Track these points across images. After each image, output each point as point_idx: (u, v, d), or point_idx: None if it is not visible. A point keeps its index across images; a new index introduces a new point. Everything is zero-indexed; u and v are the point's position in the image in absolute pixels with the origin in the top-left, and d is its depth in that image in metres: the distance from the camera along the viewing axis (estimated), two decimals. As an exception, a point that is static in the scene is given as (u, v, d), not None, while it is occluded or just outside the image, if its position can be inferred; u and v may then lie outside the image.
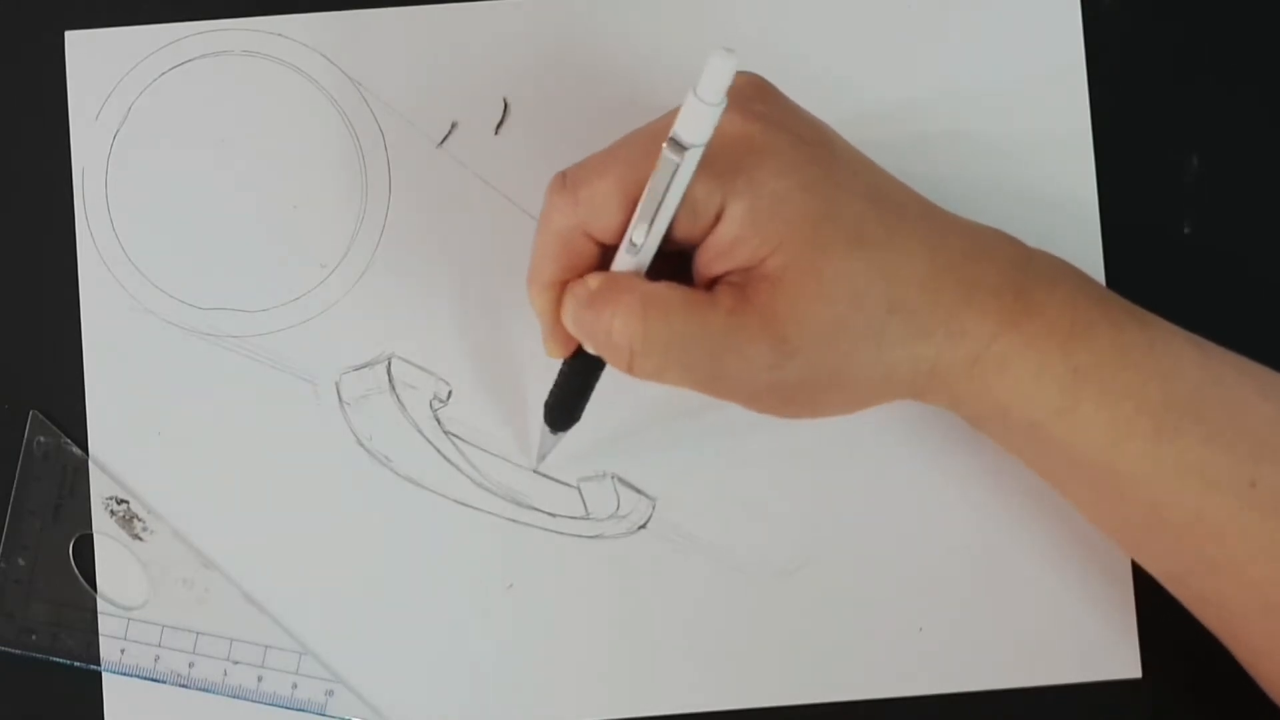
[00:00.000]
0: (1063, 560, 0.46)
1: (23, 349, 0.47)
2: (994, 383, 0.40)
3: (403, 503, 0.47)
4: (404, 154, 0.47)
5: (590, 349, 0.41)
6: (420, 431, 0.47)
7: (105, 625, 0.46)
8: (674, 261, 0.40)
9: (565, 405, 0.44)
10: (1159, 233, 0.47)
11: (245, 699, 0.46)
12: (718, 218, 0.38)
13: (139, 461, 0.47)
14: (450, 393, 0.47)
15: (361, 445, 0.47)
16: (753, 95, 0.40)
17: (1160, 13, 0.48)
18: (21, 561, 0.46)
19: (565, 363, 0.43)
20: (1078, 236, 0.47)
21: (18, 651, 0.46)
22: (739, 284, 0.39)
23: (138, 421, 0.47)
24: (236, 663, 0.46)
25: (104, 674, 0.46)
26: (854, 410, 0.41)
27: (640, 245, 0.38)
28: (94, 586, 0.47)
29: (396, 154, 0.47)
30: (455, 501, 0.47)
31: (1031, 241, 0.42)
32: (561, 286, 0.40)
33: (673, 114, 0.37)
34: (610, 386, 0.47)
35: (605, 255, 0.40)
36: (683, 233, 0.39)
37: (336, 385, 0.47)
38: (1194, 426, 0.39)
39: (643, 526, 0.47)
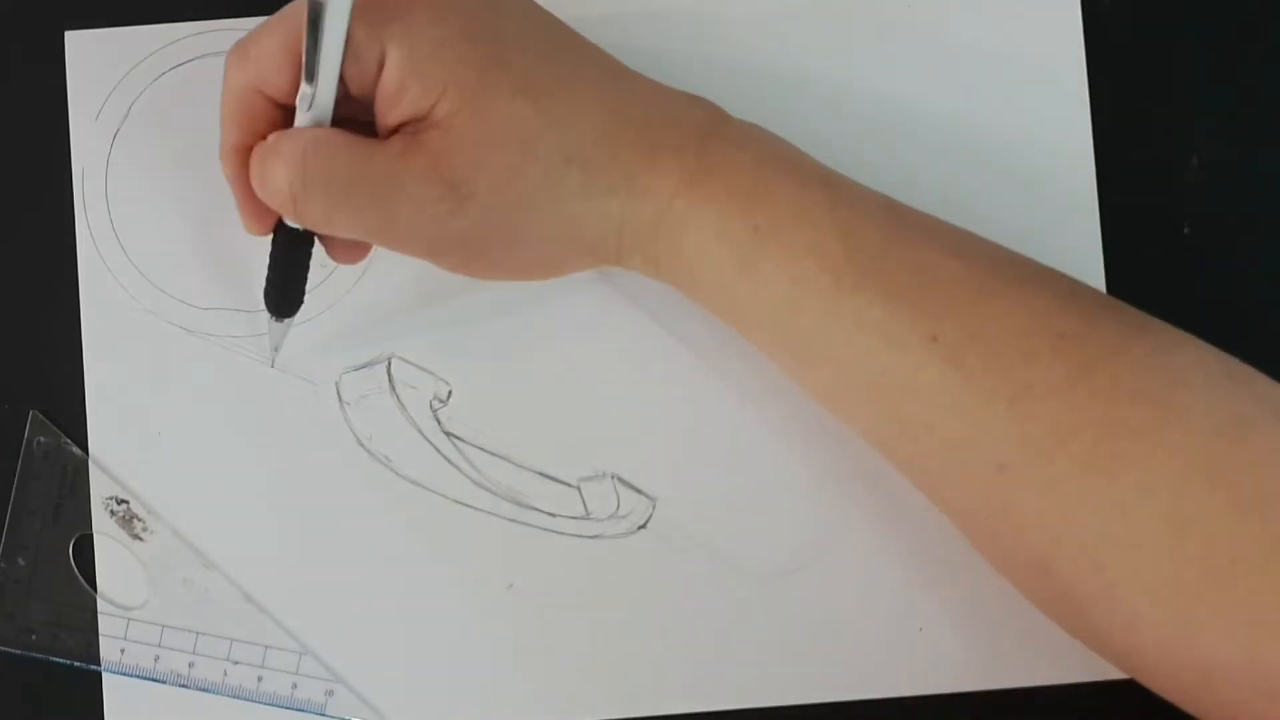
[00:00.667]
0: (1063, 560, 0.46)
1: (23, 349, 0.47)
2: (680, 243, 0.40)
3: (403, 503, 0.47)
4: (404, 154, 0.47)
5: (269, 205, 0.40)
6: (420, 431, 0.47)
7: (105, 625, 0.46)
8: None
9: (281, 287, 0.43)
10: (1159, 233, 0.47)
11: (245, 699, 0.46)
12: (381, 65, 0.38)
13: (139, 461, 0.47)
14: (450, 393, 0.47)
15: (361, 445, 0.47)
16: None
17: (1160, 12, 0.48)
18: (21, 561, 0.46)
19: (273, 241, 0.42)
20: (1078, 236, 0.47)
21: (18, 651, 0.46)
22: (412, 132, 0.39)
23: (138, 421, 0.47)
24: (236, 663, 0.46)
25: (104, 674, 0.46)
26: (547, 273, 0.42)
27: (311, 98, 0.39)
28: (94, 586, 0.47)
29: (396, 154, 0.47)
30: (455, 501, 0.47)
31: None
32: (248, 152, 0.40)
33: None
34: (611, 386, 0.47)
35: (285, 116, 0.40)
36: (354, 86, 0.39)
37: (336, 385, 0.47)
38: (874, 283, 0.39)
39: (643, 526, 0.47)
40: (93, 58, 0.48)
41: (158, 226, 0.47)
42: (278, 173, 0.39)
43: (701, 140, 0.41)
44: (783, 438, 0.47)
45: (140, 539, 0.47)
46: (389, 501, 0.47)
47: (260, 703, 0.46)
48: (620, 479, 0.47)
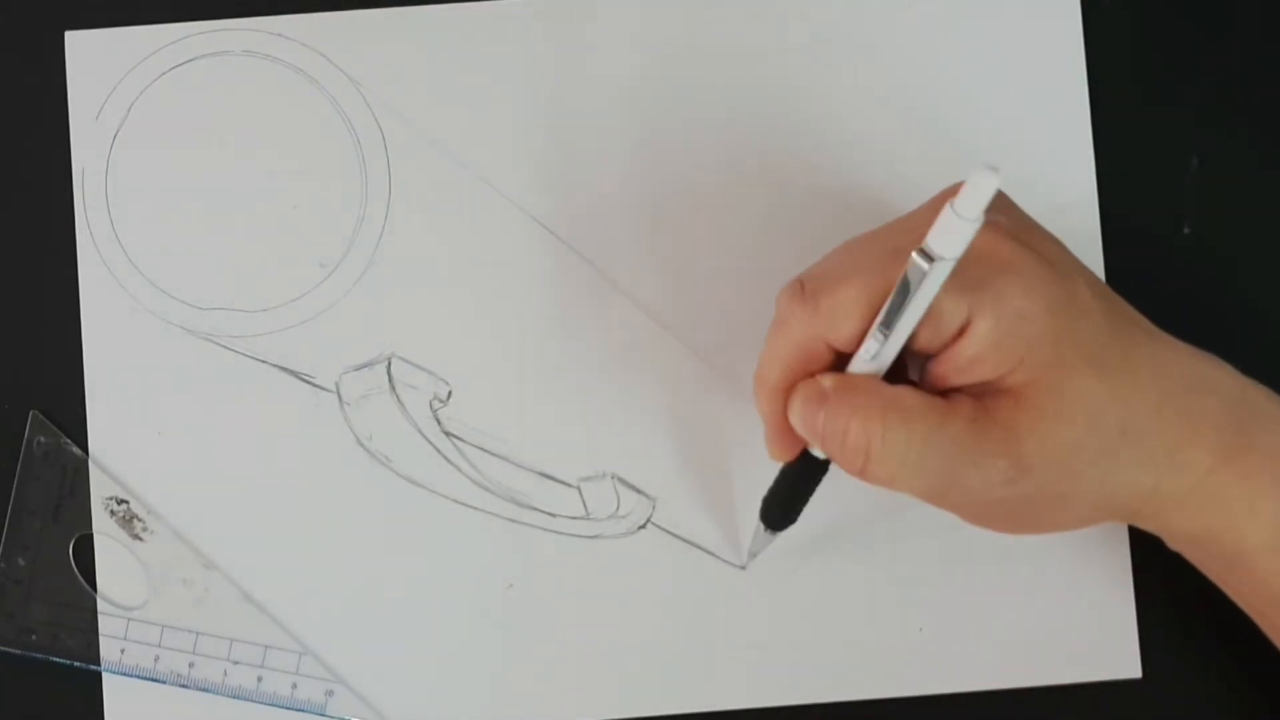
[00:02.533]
0: (1063, 560, 0.46)
1: (23, 349, 0.47)
2: (1205, 513, 0.40)
3: (403, 503, 0.47)
4: (404, 154, 0.47)
5: (818, 450, 0.40)
6: (420, 431, 0.47)
7: (105, 625, 0.46)
8: (897, 367, 0.39)
9: (785, 506, 0.43)
10: (1159, 233, 0.47)
11: (245, 699, 0.46)
12: (961, 331, 0.38)
13: (139, 461, 0.47)
14: (450, 393, 0.47)
15: (361, 445, 0.47)
16: (996, 207, 0.39)
17: (1160, 13, 0.48)
18: (21, 561, 0.46)
19: (787, 465, 0.42)
20: (1078, 236, 0.47)
21: (18, 651, 0.46)
22: (977, 395, 0.38)
23: (138, 421, 0.47)
24: (236, 663, 0.46)
25: (104, 674, 0.46)
26: (1068, 529, 0.41)
27: (877, 351, 0.38)
28: (94, 586, 0.47)
29: (396, 154, 0.47)
30: (455, 501, 0.47)
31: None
32: (790, 390, 0.40)
33: (910, 220, 0.38)
34: (611, 386, 0.47)
35: (838, 358, 0.39)
36: (921, 342, 0.38)
37: (336, 385, 0.47)
38: None
39: (643, 526, 0.47)
40: (93, 58, 0.48)
41: (158, 226, 0.47)
42: (853, 429, 0.38)
43: (1239, 414, 0.40)
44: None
45: (140, 539, 0.47)
46: (389, 501, 0.47)
47: (260, 703, 0.46)
48: (620, 479, 0.47)
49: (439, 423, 0.47)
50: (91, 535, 0.47)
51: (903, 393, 0.38)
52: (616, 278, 0.47)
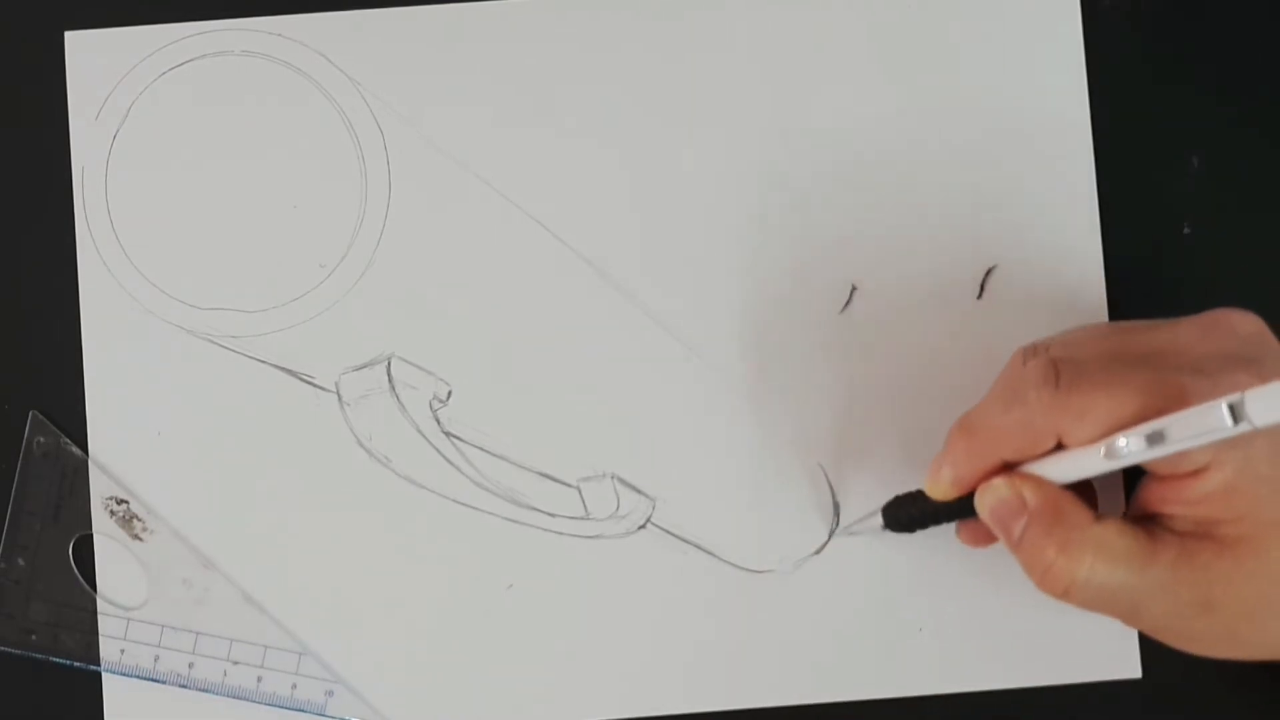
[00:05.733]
0: (1063, 560, 0.46)
1: (23, 349, 0.47)
2: None
3: (403, 503, 0.47)
4: (404, 154, 0.47)
5: (1005, 543, 0.40)
6: (420, 431, 0.47)
7: (105, 625, 0.46)
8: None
9: (912, 523, 0.43)
10: (1159, 233, 0.47)
11: (245, 699, 0.46)
12: (1200, 471, 0.38)
13: (139, 461, 0.47)
14: (450, 393, 0.47)
15: (361, 445, 0.47)
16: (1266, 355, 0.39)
17: (1160, 12, 0.48)
18: (21, 561, 0.46)
19: (952, 504, 0.42)
20: (1078, 236, 0.47)
21: (18, 651, 0.46)
22: (1181, 532, 0.39)
23: (138, 421, 0.47)
24: (236, 663, 0.46)
25: (104, 674, 0.46)
26: (1230, 658, 0.41)
27: (1121, 464, 0.37)
28: (94, 586, 0.47)
29: (396, 154, 0.47)
30: (455, 501, 0.47)
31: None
32: (992, 449, 0.40)
33: (1172, 332, 0.39)
34: (611, 386, 0.47)
35: (1055, 448, 0.39)
36: (1153, 465, 0.38)
37: (336, 385, 0.47)
38: None
39: (643, 526, 0.47)
40: (93, 58, 0.48)
41: (158, 226, 0.47)
42: (1058, 562, 0.38)
43: None
44: (783, 437, 0.47)
45: (140, 539, 0.47)
46: (389, 501, 0.47)
47: (260, 703, 0.46)
48: (620, 479, 0.47)
49: (439, 423, 0.47)
50: (91, 535, 0.47)
51: (1113, 535, 0.38)
52: (616, 278, 0.47)
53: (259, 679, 0.46)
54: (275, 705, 0.46)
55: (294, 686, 0.46)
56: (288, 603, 0.46)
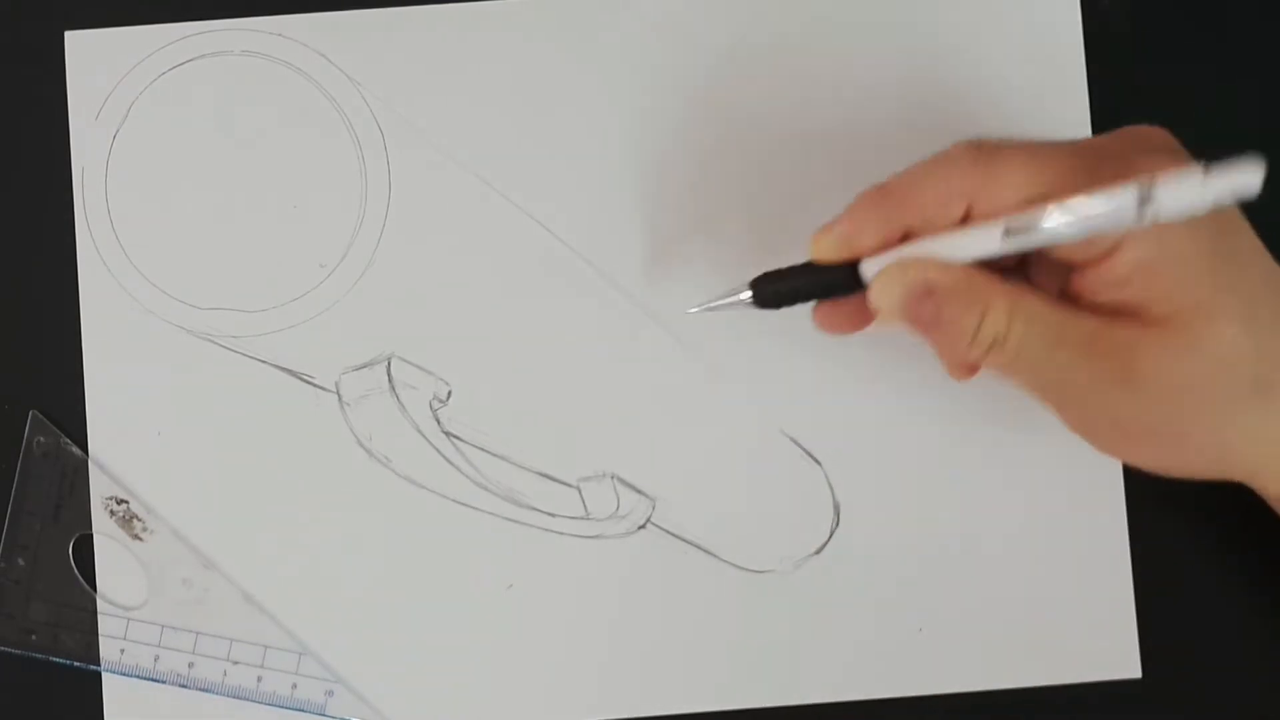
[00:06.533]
0: (1063, 560, 0.46)
1: (23, 349, 0.47)
2: None
3: (403, 503, 0.47)
4: (404, 154, 0.47)
5: (911, 326, 0.40)
6: (420, 431, 0.47)
7: (105, 625, 0.46)
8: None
9: (780, 299, 0.42)
10: (1159, 233, 0.47)
11: (245, 699, 0.46)
12: (1112, 252, 0.38)
13: (139, 461, 0.47)
14: (450, 393, 0.47)
15: (361, 445, 0.47)
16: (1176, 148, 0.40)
17: (1160, 12, 0.48)
18: (21, 561, 0.46)
19: (820, 266, 0.41)
20: (1078, 236, 0.47)
21: (18, 651, 0.46)
22: (1107, 309, 0.39)
23: (138, 421, 0.47)
24: (236, 663, 0.46)
25: (104, 674, 0.46)
26: (1171, 470, 0.41)
27: (1022, 244, 0.38)
28: (94, 586, 0.47)
29: (396, 154, 0.47)
30: (455, 501, 0.47)
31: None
32: (891, 209, 0.39)
33: (1112, 139, 0.39)
34: (611, 386, 0.47)
35: (952, 227, 0.39)
36: (1064, 251, 0.38)
37: (336, 385, 0.47)
38: None
39: (643, 526, 0.47)
40: (93, 58, 0.48)
41: (158, 226, 0.47)
42: (982, 330, 0.39)
43: None
44: (782, 437, 0.47)
45: (140, 539, 0.47)
46: (389, 501, 0.47)
47: (260, 703, 0.46)
48: (620, 479, 0.47)
49: (439, 423, 0.47)
50: (91, 535, 0.47)
51: (1028, 295, 0.39)
52: (616, 278, 0.47)
53: (259, 679, 0.46)
54: (275, 705, 0.46)
55: (294, 686, 0.46)
56: (288, 603, 0.46)
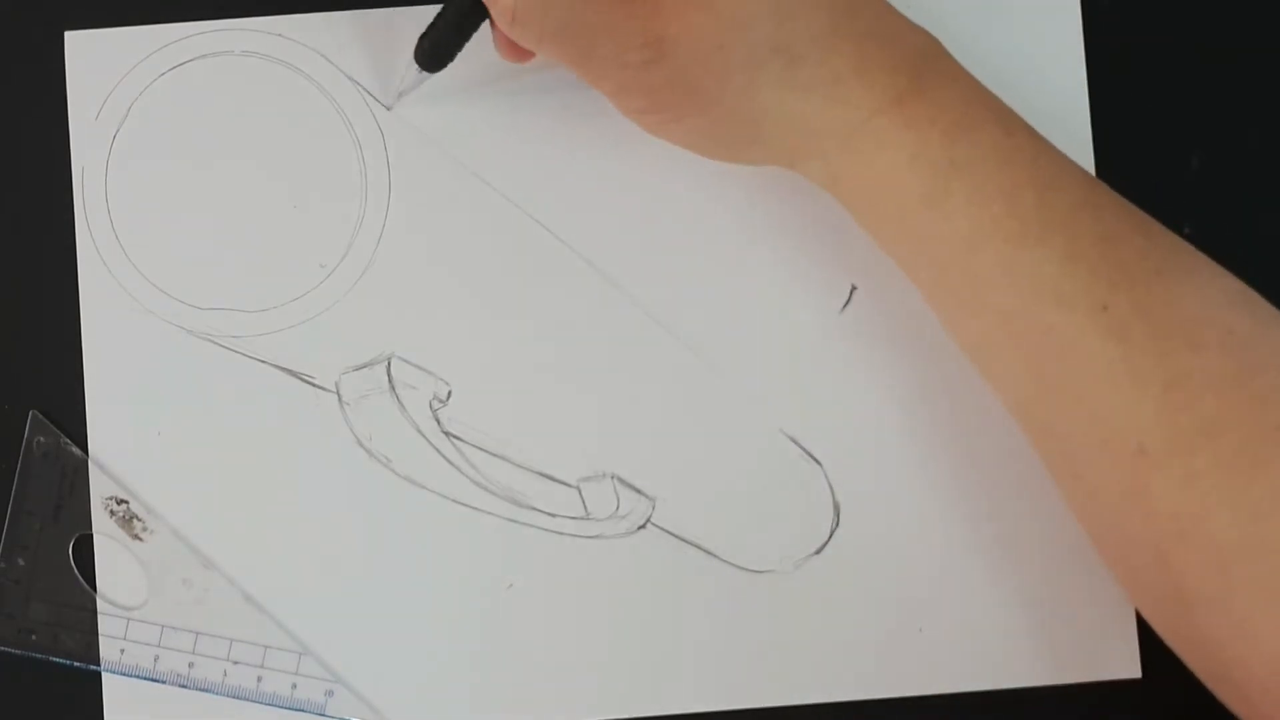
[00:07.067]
0: (1063, 560, 0.46)
1: (23, 349, 0.47)
2: (870, 160, 0.40)
3: (403, 503, 0.47)
4: (404, 154, 0.47)
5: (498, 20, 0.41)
6: (420, 431, 0.47)
7: (105, 625, 0.46)
8: None
9: (441, 44, 0.44)
10: (1159, 233, 0.47)
11: (245, 699, 0.46)
12: None
13: (139, 461, 0.47)
14: (450, 393, 0.47)
15: (361, 445, 0.47)
16: None
17: (1160, 12, 0.48)
18: (21, 561, 0.46)
19: (451, 4, 0.43)
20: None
21: (18, 651, 0.46)
22: None
23: (138, 421, 0.47)
24: (236, 663, 0.46)
25: (104, 674, 0.46)
26: (718, 153, 0.42)
27: None
28: (94, 586, 0.47)
29: (396, 154, 0.47)
30: (455, 501, 0.47)
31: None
32: None
33: None
34: (611, 386, 0.47)
35: None
36: None
37: (336, 385, 0.47)
38: (1059, 240, 0.39)
39: (642, 526, 0.47)
40: (93, 58, 0.48)
41: (158, 226, 0.47)
42: None
43: (916, 65, 0.40)
44: (782, 437, 0.47)
45: (140, 539, 0.47)
46: (389, 501, 0.47)
47: (260, 703, 0.46)
48: (620, 479, 0.47)
49: (439, 423, 0.47)
50: (91, 535, 0.47)
51: None
52: (616, 278, 0.47)
53: (259, 679, 0.46)
54: (275, 705, 0.46)
55: (294, 686, 0.46)
56: (288, 603, 0.46)
